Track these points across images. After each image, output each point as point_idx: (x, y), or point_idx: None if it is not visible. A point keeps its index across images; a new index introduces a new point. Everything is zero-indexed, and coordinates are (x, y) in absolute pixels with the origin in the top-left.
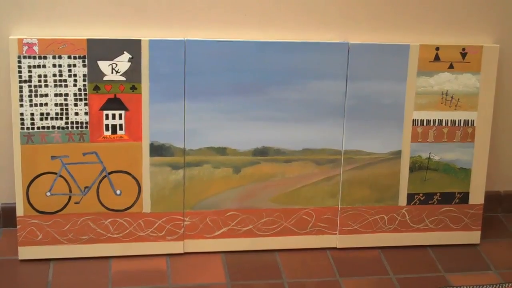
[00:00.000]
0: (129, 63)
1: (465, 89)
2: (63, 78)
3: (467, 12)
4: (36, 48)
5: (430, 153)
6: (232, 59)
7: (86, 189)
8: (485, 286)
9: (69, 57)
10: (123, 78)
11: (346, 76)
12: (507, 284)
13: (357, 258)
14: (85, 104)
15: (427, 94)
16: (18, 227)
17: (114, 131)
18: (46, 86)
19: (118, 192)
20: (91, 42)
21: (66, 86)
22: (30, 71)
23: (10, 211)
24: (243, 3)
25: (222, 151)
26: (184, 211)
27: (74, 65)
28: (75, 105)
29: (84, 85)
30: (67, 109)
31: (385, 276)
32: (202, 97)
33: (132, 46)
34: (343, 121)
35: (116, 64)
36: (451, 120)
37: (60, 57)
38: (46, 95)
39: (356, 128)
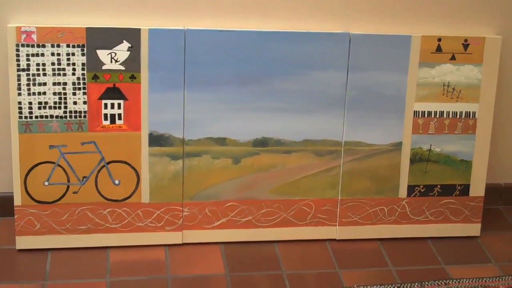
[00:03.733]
0: (129, 52)
1: (466, 80)
2: (61, 66)
3: (470, 3)
4: (34, 37)
5: (431, 145)
6: (232, 49)
7: (85, 178)
8: (485, 279)
9: (68, 46)
10: (122, 67)
11: (347, 66)
12: (507, 277)
13: (356, 250)
14: (84, 93)
15: (428, 86)
16: (15, 216)
17: (113, 120)
18: (44, 74)
19: (116, 182)
20: (90, 31)
21: (64, 75)
22: (28, 60)
23: (7, 200)
24: None
25: (221, 141)
26: (183, 202)
27: (73, 54)
28: (74, 94)
29: (83, 74)
30: (65, 98)
31: (385, 268)
32: (202, 87)
33: (132, 35)
34: (343, 112)
35: (115, 53)
36: (452, 111)
37: (58, 46)
38: (45, 83)
39: (357, 119)
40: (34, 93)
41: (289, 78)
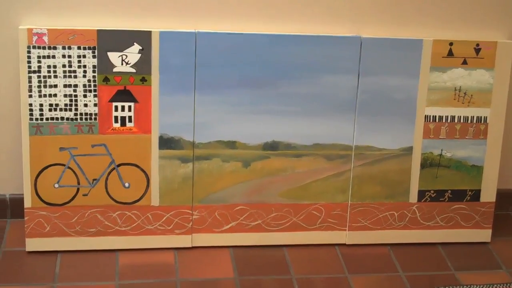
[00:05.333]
0: (139, 55)
1: (478, 85)
2: (72, 69)
3: (482, 8)
4: (45, 39)
5: (442, 150)
6: (243, 52)
7: (95, 181)
8: (495, 285)
9: (79, 48)
10: (133, 70)
11: (358, 70)
12: None
13: (366, 255)
14: (95, 96)
15: (439, 90)
16: (25, 218)
17: (123, 123)
18: (55, 77)
19: (126, 184)
20: (101, 33)
21: (75, 77)
22: (39, 62)
23: (18, 202)
24: None
25: (231, 144)
26: (193, 205)
27: (84, 56)
28: (84, 96)
29: (94, 76)
30: (76, 100)
31: (394, 273)
32: (213, 90)
33: (143, 38)
34: (354, 116)
35: (126, 56)
36: (463, 116)
37: (69, 48)
38: (55, 86)
39: (367, 123)
40: (45, 95)
41: (299, 82)
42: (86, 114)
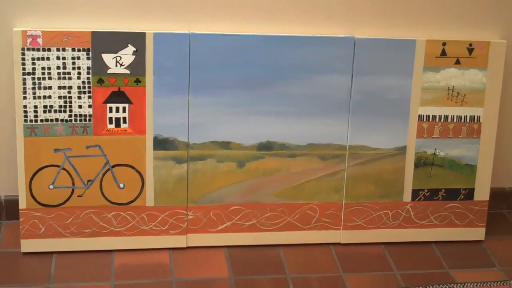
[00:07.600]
0: (134, 56)
1: (471, 85)
2: (67, 70)
3: (475, 8)
4: (40, 40)
5: (435, 149)
6: (237, 53)
7: (89, 182)
8: (489, 283)
9: (73, 50)
10: (127, 71)
11: (352, 70)
12: (511, 281)
13: (361, 254)
14: (89, 97)
15: (433, 90)
16: (20, 219)
17: (117, 124)
18: (49, 78)
19: (121, 185)
20: (95, 35)
21: (70, 78)
22: (33, 64)
23: (13, 203)
24: None
25: (226, 145)
26: (188, 205)
27: (78, 58)
28: (79, 98)
29: (88, 78)
30: (70, 102)
31: (389, 272)
32: (207, 91)
33: (137, 39)
34: (348, 116)
35: (121, 57)
36: (457, 116)
37: (64, 50)
38: (50, 87)
39: (361, 123)
40: (39, 97)
41: (293, 82)
42: (80, 115)
